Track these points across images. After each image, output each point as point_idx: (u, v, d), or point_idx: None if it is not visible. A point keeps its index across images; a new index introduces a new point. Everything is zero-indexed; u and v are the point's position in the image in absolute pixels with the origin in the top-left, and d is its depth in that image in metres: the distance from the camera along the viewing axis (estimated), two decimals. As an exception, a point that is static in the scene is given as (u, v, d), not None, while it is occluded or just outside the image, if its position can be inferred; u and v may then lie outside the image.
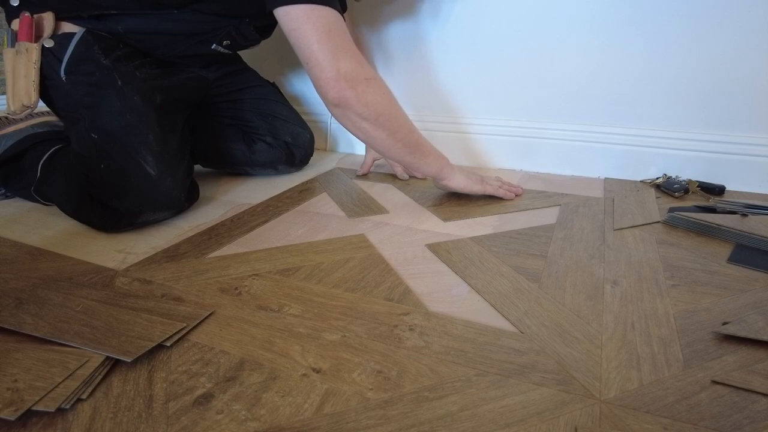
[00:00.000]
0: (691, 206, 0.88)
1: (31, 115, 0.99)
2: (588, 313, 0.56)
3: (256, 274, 0.65)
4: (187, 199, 0.86)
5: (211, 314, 0.56)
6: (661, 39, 0.96)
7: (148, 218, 0.81)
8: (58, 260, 0.69)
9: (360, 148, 1.31)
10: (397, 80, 1.20)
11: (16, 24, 0.79)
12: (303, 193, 1.00)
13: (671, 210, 0.86)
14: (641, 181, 1.04)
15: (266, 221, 0.84)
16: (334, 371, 0.47)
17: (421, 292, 0.61)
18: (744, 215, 0.79)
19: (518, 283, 0.63)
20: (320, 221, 0.84)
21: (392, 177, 1.11)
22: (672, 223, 0.81)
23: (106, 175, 0.78)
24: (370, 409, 0.42)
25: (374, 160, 1.13)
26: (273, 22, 0.93)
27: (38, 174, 0.88)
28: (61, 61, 0.79)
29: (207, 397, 0.43)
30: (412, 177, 1.10)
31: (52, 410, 0.41)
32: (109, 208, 0.78)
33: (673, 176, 1.00)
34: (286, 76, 1.37)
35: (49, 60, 0.80)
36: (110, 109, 0.79)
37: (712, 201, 0.91)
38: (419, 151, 0.86)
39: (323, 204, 0.93)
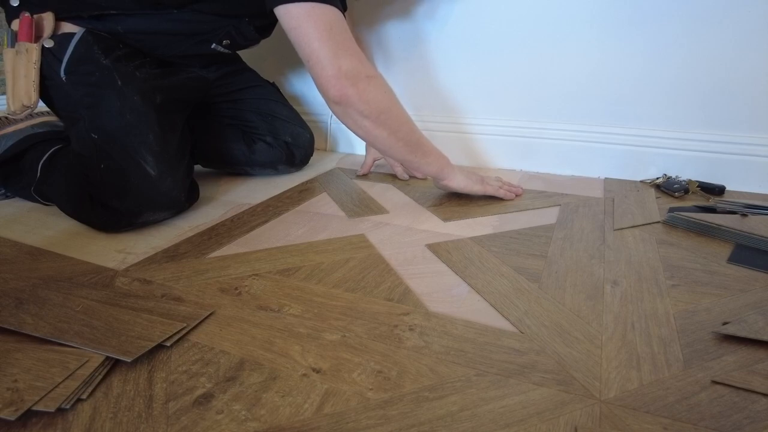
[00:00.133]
0: (691, 206, 0.88)
1: (31, 115, 0.99)
2: (588, 313, 0.56)
3: (256, 274, 0.65)
4: (187, 199, 0.86)
5: (211, 314, 0.56)
6: (661, 39, 0.96)
7: (148, 218, 0.81)
8: (58, 260, 0.69)
9: (360, 148, 1.31)
10: (397, 80, 1.20)
11: (16, 24, 0.79)
12: (303, 193, 1.00)
13: (671, 210, 0.86)
14: (641, 181, 1.04)
15: (266, 221, 0.84)
16: (334, 371, 0.47)
17: (421, 292, 0.61)
18: (744, 215, 0.79)
19: (518, 283, 0.63)
20: (320, 221, 0.84)
21: (392, 177, 1.11)
22: (672, 223, 0.81)
23: (106, 175, 0.78)
24: (370, 409, 0.42)
25: (374, 161, 1.13)
26: (272, 22, 0.93)
27: (38, 174, 0.88)
28: (61, 61, 0.79)
29: (207, 397, 0.43)
30: (412, 177, 1.10)
31: (52, 410, 0.41)
32: (109, 208, 0.78)
33: (673, 176, 1.00)
34: (286, 76, 1.37)
35: (49, 60, 0.80)
36: (110, 109, 0.79)
37: (712, 201, 0.91)
38: (420, 150, 0.85)
39: (323, 204, 0.93)
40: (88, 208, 0.79)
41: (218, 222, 0.84)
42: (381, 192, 1.00)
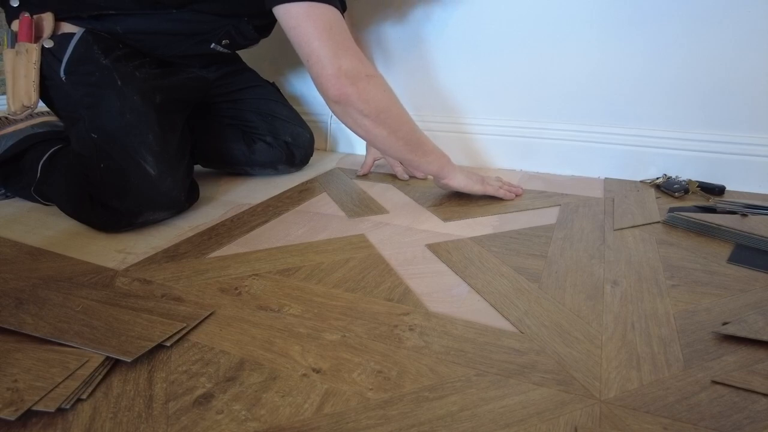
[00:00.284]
0: (691, 206, 0.88)
1: (31, 116, 0.99)
2: (588, 313, 0.56)
3: (256, 274, 0.65)
4: (187, 199, 0.86)
5: (211, 314, 0.56)
6: (661, 39, 0.96)
7: (148, 218, 0.81)
8: (58, 260, 0.69)
9: (360, 148, 1.31)
10: (397, 80, 1.20)
11: (16, 25, 0.79)
12: (303, 193, 1.00)
13: (671, 210, 0.86)
14: (641, 181, 1.04)
15: (266, 221, 0.84)
16: (334, 371, 0.47)
17: (421, 292, 0.61)
18: (744, 215, 0.79)
19: (518, 283, 0.63)
20: (320, 221, 0.84)
21: (392, 177, 1.11)
22: (672, 223, 0.81)
23: (106, 175, 0.78)
24: (370, 409, 0.42)
25: (374, 160, 1.13)
26: (272, 22, 0.93)
27: (38, 174, 0.88)
28: (61, 62, 0.79)
29: (207, 397, 0.43)
30: (412, 177, 1.10)
31: (52, 410, 0.41)
32: (109, 208, 0.78)
33: (673, 176, 1.00)
34: (286, 76, 1.37)
35: (48, 60, 0.80)
36: (110, 109, 0.79)
37: (712, 201, 0.91)
38: (420, 149, 0.85)
39: (323, 204, 0.93)
40: (88, 208, 0.79)
41: (218, 222, 0.84)
42: (381, 192, 1.00)
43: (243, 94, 1.07)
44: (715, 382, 0.45)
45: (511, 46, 1.08)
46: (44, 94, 0.83)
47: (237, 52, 1.05)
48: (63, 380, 0.44)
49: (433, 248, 0.73)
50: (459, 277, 0.65)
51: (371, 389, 0.44)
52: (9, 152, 0.91)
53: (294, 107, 1.13)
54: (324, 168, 1.18)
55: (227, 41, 0.92)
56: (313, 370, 0.47)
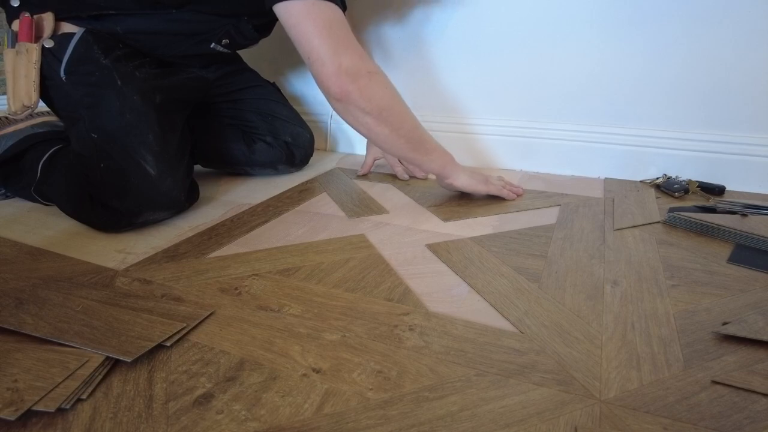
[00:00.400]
0: (691, 206, 0.88)
1: (31, 115, 0.99)
2: (588, 313, 0.56)
3: (256, 274, 0.65)
4: (187, 199, 0.86)
5: (211, 314, 0.56)
6: (661, 39, 0.96)
7: (148, 218, 0.81)
8: (58, 260, 0.69)
9: (360, 148, 1.31)
10: (397, 80, 1.19)
11: (16, 24, 0.79)
12: (303, 193, 1.00)
13: (671, 210, 0.86)
14: (641, 181, 1.04)
15: (266, 221, 0.84)
16: (334, 371, 0.47)
17: (421, 292, 0.61)
18: (744, 215, 0.79)
19: (518, 283, 0.63)
20: (320, 221, 0.84)
21: (392, 177, 1.11)
22: (672, 223, 0.81)
23: (106, 175, 0.78)
24: (370, 409, 0.42)
25: (375, 160, 1.13)
26: (272, 21, 0.93)
27: (38, 174, 0.88)
28: (61, 62, 0.79)
29: (207, 397, 0.43)
30: (412, 177, 1.10)
31: (52, 410, 0.41)
32: (109, 208, 0.78)
33: (673, 176, 1.00)
34: (286, 76, 1.37)
35: (49, 60, 0.80)
36: (110, 109, 0.79)
37: (712, 201, 0.91)
38: (423, 147, 0.85)
39: (323, 204, 0.93)
40: (88, 208, 0.79)
41: (218, 222, 0.84)
42: (381, 192, 1.00)
43: (243, 94, 1.07)
44: (715, 382, 0.45)
45: (511, 46, 1.08)
46: (44, 94, 0.83)
47: (237, 52, 1.05)
48: (63, 380, 0.44)
49: (433, 248, 0.73)
50: (459, 277, 0.65)
51: (371, 389, 0.44)
52: (9, 152, 0.91)
53: (294, 107, 1.13)
54: (324, 168, 1.18)
55: (227, 41, 0.92)
56: (313, 370, 0.47)
